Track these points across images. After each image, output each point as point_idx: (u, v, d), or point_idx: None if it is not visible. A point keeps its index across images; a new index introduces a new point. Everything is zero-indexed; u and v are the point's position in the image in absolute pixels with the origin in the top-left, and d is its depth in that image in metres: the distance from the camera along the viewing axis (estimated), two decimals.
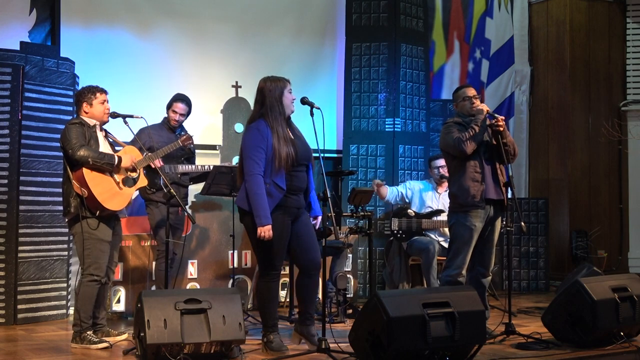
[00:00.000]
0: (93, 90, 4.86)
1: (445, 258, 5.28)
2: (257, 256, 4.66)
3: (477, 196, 4.95)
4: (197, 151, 6.16)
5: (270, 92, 4.54)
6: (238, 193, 4.57)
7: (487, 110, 5.07)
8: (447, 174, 5.65)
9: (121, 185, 4.81)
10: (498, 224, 5.12)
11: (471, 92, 5.20)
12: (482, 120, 5.02)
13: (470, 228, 4.96)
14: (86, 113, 4.85)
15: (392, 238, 6.75)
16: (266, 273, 4.56)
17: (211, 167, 5.79)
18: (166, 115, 5.82)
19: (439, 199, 6.61)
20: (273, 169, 4.41)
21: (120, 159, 4.77)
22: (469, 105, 5.13)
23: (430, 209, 6.59)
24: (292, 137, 4.54)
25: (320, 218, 4.76)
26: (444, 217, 6.40)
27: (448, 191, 5.33)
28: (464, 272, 4.99)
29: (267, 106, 4.53)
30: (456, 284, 4.92)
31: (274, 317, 4.60)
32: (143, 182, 4.98)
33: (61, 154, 4.89)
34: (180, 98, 5.79)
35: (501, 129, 5.04)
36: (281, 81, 4.58)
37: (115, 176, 4.79)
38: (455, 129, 5.05)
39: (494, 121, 5.04)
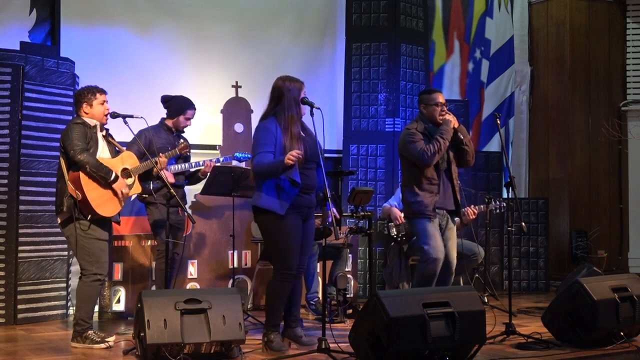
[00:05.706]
0: (93, 90, 4.85)
1: None
2: (272, 256, 4.68)
3: (429, 206, 5.05)
4: (197, 151, 6.16)
5: (290, 91, 4.55)
6: (254, 194, 4.57)
7: (454, 125, 5.09)
8: None
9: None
10: (451, 224, 5.19)
11: (443, 98, 5.20)
12: (448, 133, 5.03)
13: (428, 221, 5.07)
14: (86, 114, 4.83)
15: (393, 243, 6.76)
16: (280, 272, 4.56)
17: (202, 163, 5.79)
18: (164, 117, 5.80)
19: None
20: None
21: (116, 178, 4.72)
22: (438, 113, 5.12)
23: None
24: (303, 134, 4.56)
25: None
26: None
27: (400, 195, 5.39)
28: (440, 255, 5.01)
29: (283, 105, 4.53)
30: (433, 274, 4.99)
31: (279, 316, 4.61)
32: (137, 189, 4.95)
33: None
34: (192, 104, 5.78)
35: (455, 125, 5.10)
36: (299, 82, 4.60)
37: None
38: (419, 137, 5.07)
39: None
